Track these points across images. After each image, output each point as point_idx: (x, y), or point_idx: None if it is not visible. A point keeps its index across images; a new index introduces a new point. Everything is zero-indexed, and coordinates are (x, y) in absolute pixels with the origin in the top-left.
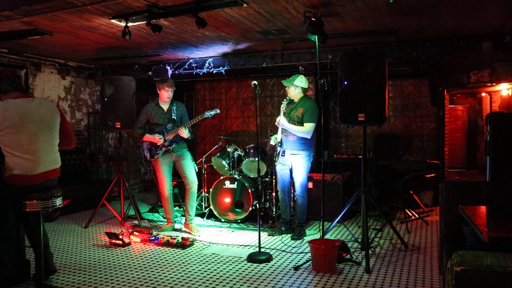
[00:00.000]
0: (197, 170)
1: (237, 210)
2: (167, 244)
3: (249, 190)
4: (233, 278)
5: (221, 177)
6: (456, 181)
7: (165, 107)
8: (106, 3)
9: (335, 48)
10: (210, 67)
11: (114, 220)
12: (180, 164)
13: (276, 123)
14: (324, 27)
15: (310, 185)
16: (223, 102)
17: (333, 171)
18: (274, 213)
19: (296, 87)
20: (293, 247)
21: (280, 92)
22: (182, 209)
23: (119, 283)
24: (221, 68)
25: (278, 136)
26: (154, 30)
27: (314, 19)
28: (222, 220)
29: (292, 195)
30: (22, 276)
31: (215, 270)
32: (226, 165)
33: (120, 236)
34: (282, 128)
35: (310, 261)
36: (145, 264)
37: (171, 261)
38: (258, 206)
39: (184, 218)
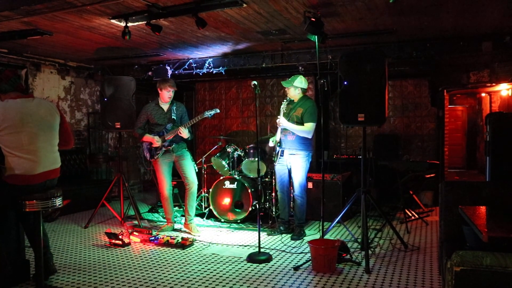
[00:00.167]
0: (197, 170)
1: (237, 210)
2: (167, 244)
3: (249, 190)
4: (233, 278)
5: (221, 177)
6: (456, 181)
7: (165, 107)
8: (106, 3)
9: (335, 48)
10: (210, 67)
11: (114, 220)
12: (180, 164)
13: (276, 124)
14: (324, 27)
15: (310, 185)
16: (223, 102)
17: (333, 171)
18: (273, 213)
19: (296, 87)
20: (293, 247)
21: (280, 93)
22: (182, 209)
23: (118, 283)
24: (221, 68)
25: (277, 136)
26: (154, 30)
27: (314, 19)
28: (222, 220)
29: (291, 195)
30: (21, 276)
31: (215, 270)
32: (226, 165)
33: (120, 236)
34: (281, 128)
35: (310, 261)
36: (144, 264)
37: (171, 261)
38: (257, 206)
39: (184, 218)
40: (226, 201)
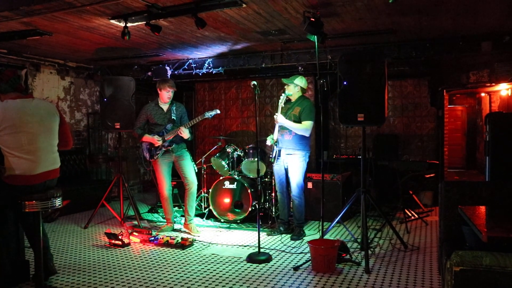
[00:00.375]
0: (196, 171)
1: (237, 210)
2: (167, 244)
3: (249, 191)
4: (233, 279)
5: (221, 178)
6: (455, 181)
7: (164, 107)
8: (105, 3)
9: (335, 48)
10: (209, 67)
11: (113, 220)
12: (180, 165)
13: (274, 120)
14: (324, 27)
15: (310, 185)
16: (222, 103)
17: (332, 171)
18: (273, 213)
19: (296, 85)
20: (293, 248)
21: (280, 93)
22: (181, 209)
23: (118, 284)
24: (220, 68)
25: (275, 135)
26: (154, 30)
27: (313, 19)
28: (222, 220)
29: (290, 195)
30: (21, 277)
31: (215, 270)
32: (226, 166)
33: (120, 237)
34: (279, 127)
35: (310, 261)
36: (144, 265)
37: (171, 262)
38: (257, 207)
39: (183, 218)
40: (226, 201)
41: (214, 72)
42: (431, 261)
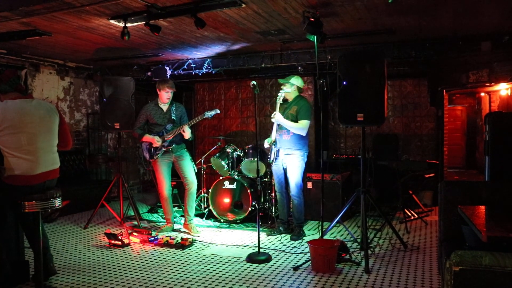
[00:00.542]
0: (196, 171)
1: (236, 210)
2: (167, 244)
3: (248, 191)
4: (233, 279)
5: (220, 178)
6: (455, 181)
7: (164, 107)
8: (105, 3)
9: (334, 48)
10: (209, 67)
11: (113, 220)
12: (179, 165)
13: (272, 119)
14: (323, 27)
15: (310, 185)
16: (222, 103)
17: (332, 171)
18: (273, 213)
19: (292, 84)
20: (293, 247)
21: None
22: (181, 209)
23: (118, 284)
24: (220, 68)
25: (273, 135)
26: (153, 30)
27: (313, 19)
28: (222, 220)
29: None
30: (21, 277)
31: (215, 270)
32: (225, 166)
33: (119, 237)
34: (277, 127)
35: (310, 261)
36: (144, 265)
37: (170, 262)
38: (257, 207)
39: (183, 218)
40: (226, 201)
41: (213, 72)
42: (430, 261)
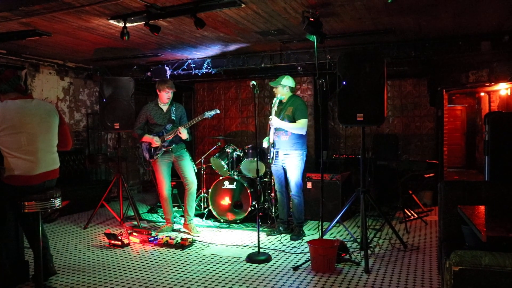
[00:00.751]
0: (196, 171)
1: (236, 210)
2: (166, 244)
3: (248, 191)
4: (232, 279)
5: (220, 178)
6: (455, 180)
7: (164, 107)
8: (104, 3)
9: (334, 48)
10: (208, 67)
11: (113, 220)
12: (179, 165)
13: (269, 123)
14: (323, 27)
15: (309, 185)
16: (222, 103)
17: (332, 171)
18: (273, 213)
19: (284, 86)
20: (292, 247)
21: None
22: (181, 209)
23: (118, 284)
24: (219, 68)
25: (271, 137)
26: (153, 30)
27: (312, 19)
28: (221, 220)
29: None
30: (21, 277)
31: (214, 270)
32: (225, 166)
33: (119, 237)
34: (274, 129)
35: (309, 261)
36: (144, 265)
37: (170, 262)
38: (257, 207)
39: (183, 218)
40: (226, 201)
41: (213, 72)
42: (430, 261)
